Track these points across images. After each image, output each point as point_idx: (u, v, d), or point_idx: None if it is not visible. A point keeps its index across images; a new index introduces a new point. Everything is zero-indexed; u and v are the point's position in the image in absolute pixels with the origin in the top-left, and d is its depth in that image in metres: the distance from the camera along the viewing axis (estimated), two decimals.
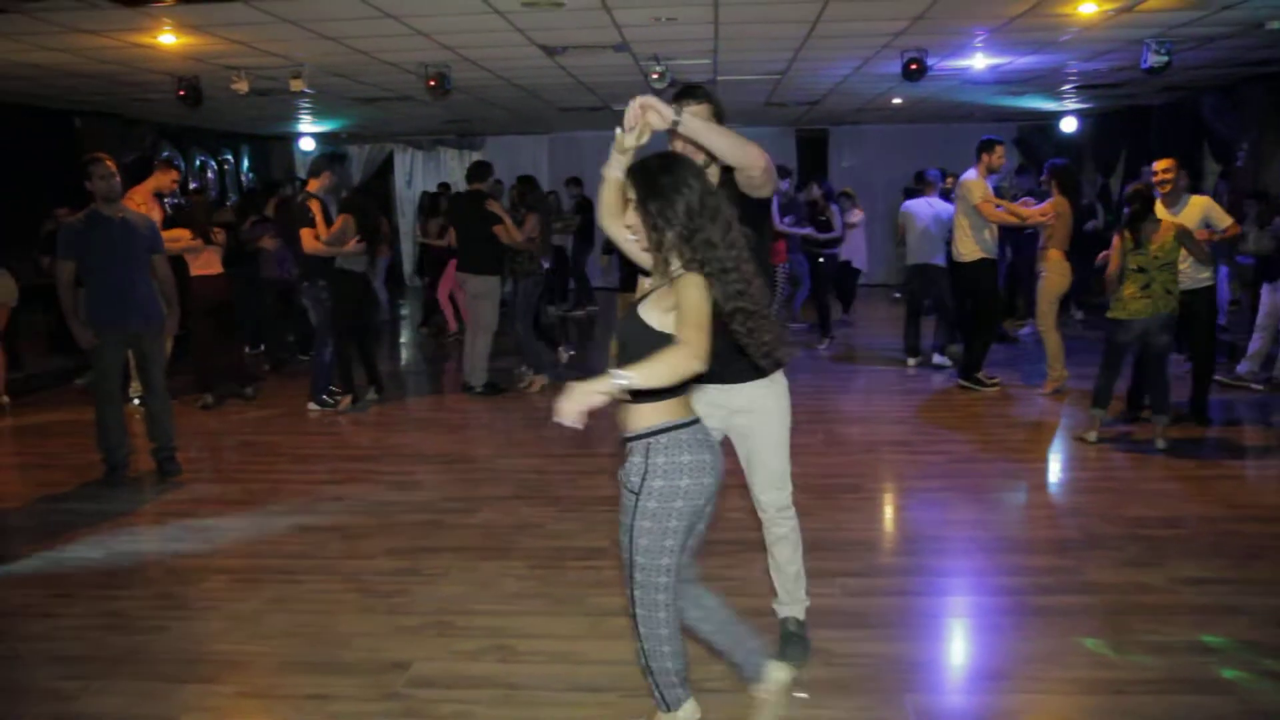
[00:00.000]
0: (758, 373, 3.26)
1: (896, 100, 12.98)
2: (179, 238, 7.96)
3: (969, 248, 8.17)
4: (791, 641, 3.68)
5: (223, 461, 6.95)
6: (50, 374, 9.65)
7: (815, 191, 11.44)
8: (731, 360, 3.01)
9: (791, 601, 3.75)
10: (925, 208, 9.32)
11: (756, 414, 3.48)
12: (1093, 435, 6.58)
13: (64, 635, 4.06)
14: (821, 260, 11.19)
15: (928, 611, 4.12)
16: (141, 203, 7.75)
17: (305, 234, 7.76)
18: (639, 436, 2.70)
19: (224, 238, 8.44)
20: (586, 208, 14.65)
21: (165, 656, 3.84)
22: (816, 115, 14.90)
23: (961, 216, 8.20)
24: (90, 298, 6.03)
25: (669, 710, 2.88)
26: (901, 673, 3.59)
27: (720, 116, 3.31)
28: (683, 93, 3.34)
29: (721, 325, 2.61)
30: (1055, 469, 6.29)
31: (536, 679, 3.60)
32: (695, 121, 2.96)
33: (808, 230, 10.92)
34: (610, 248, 7.99)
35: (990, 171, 8.13)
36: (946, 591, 4.34)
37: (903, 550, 4.89)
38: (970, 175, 8.13)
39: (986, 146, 8.15)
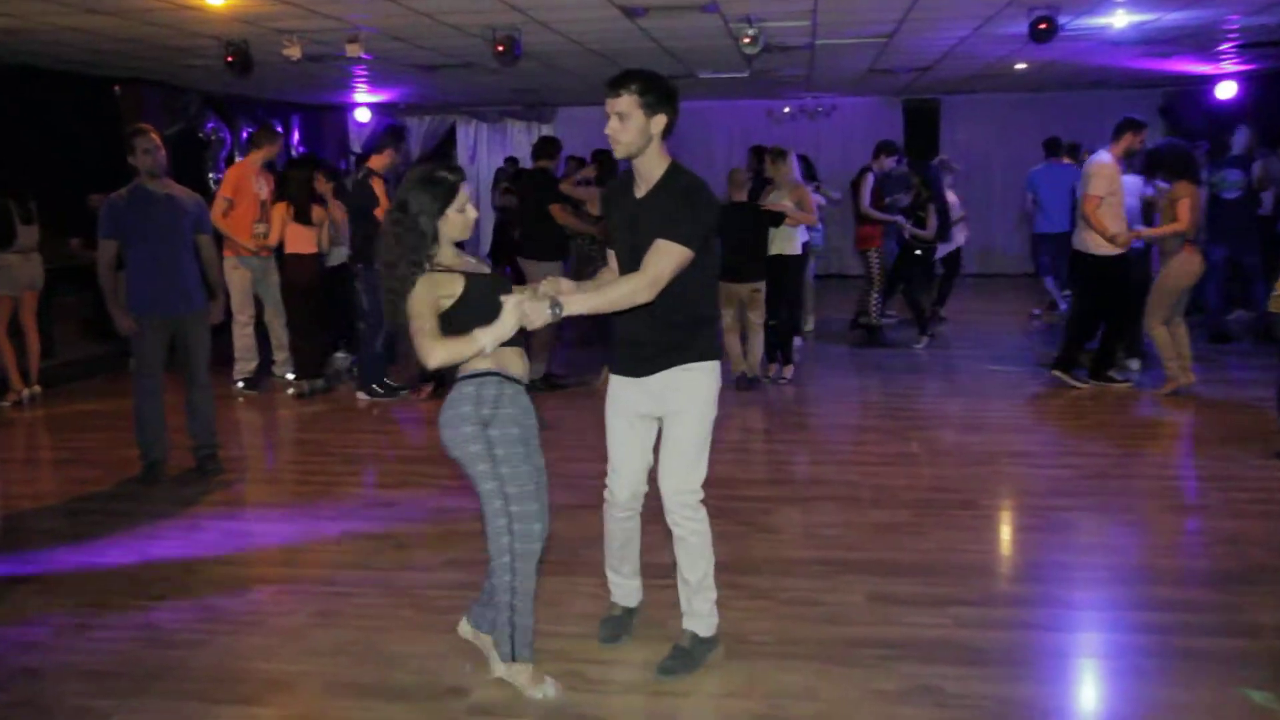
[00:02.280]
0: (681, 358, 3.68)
1: (1020, 65, 12.69)
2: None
3: (1094, 238, 7.93)
4: (676, 654, 3.82)
5: (268, 460, 7.07)
6: (86, 361, 9.91)
7: (915, 180, 11.15)
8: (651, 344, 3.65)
9: (690, 613, 3.86)
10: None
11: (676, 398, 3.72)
12: None
13: (94, 648, 4.13)
14: (918, 253, 10.80)
15: (1055, 649, 4.00)
16: (252, 176, 8.05)
17: (380, 215, 7.94)
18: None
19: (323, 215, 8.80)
20: None
21: (203, 674, 3.89)
22: (927, 83, 14.65)
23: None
24: (131, 280, 6.16)
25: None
26: (1024, 719, 3.48)
27: (657, 104, 3.56)
28: (613, 81, 3.60)
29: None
30: (1209, 488, 6.06)
31: (610, 710, 3.57)
32: (576, 304, 3.44)
33: (890, 217, 10.59)
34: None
35: (1129, 155, 7.91)
36: (1077, 626, 4.21)
37: (1026, 577, 4.77)
38: (1102, 157, 7.89)
39: (1133, 126, 7.93)
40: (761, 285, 8.30)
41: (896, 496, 5.81)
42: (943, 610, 4.27)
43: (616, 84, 3.58)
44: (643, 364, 3.71)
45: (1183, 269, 7.71)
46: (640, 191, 3.67)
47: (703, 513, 3.77)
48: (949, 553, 4.94)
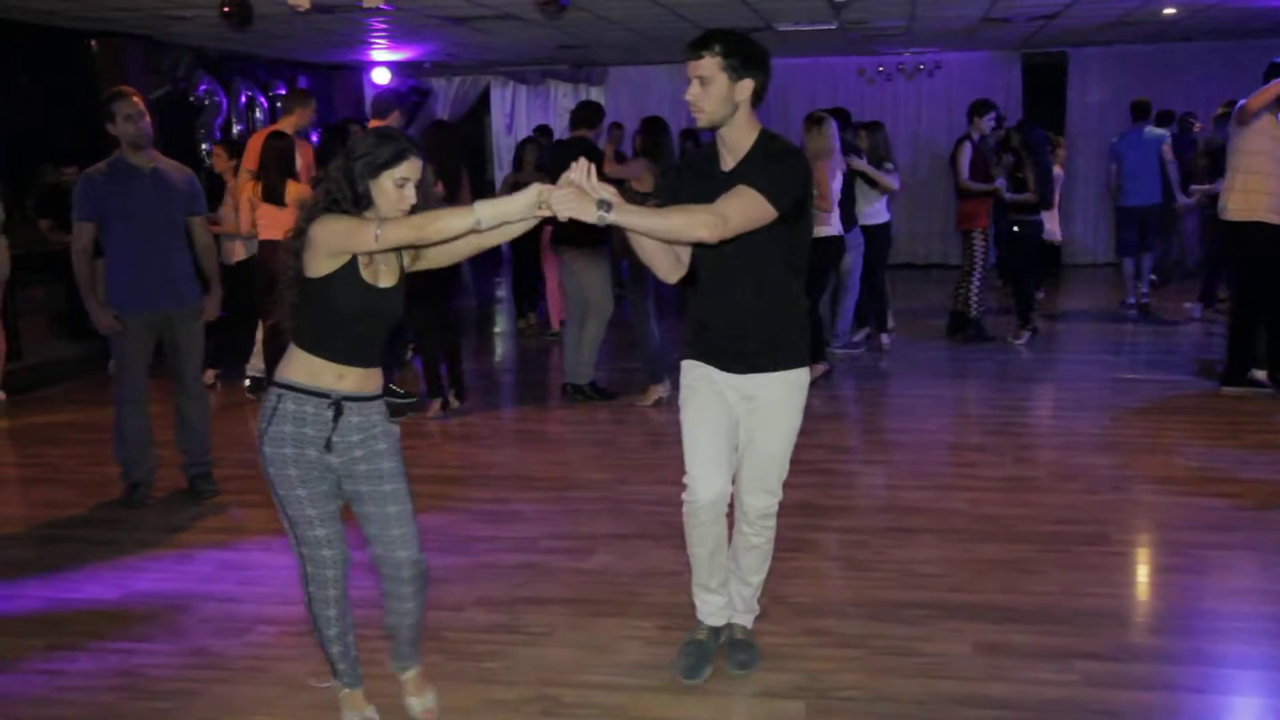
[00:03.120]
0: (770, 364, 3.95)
1: (1169, 10, 12.56)
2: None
3: (1237, 201, 7.94)
4: (740, 649, 4.27)
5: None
6: (57, 364, 10.05)
7: (1014, 140, 11.13)
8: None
9: (747, 611, 4.35)
10: None
11: (762, 406, 3.99)
12: None
13: (65, 699, 4.21)
14: (1016, 230, 10.81)
15: (1202, 713, 3.99)
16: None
17: None
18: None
19: None
20: None
21: None
22: (1052, 34, 14.54)
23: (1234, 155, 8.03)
24: (112, 270, 6.26)
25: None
26: None
27: (743, 68, 3.70)
28: (694, 43, 3.75)
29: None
30: None
31: None
32: (627, 215, 3.47)
33: (991, 186, 10.54)
34: None
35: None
36: (1232, 689, 4.19)
37: (1168, 628, 4.73)
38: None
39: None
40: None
41: (1010, 529, 5.80)
42: (1067, 665, 4.26)
43: (698, 45, 3.71)
44: (740, 360, 3.92)
45: None
46: (728, 164, 3.80)
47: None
48: (1074, 596, 4.93)
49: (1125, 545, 5.73)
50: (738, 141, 3.77)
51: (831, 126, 8.98)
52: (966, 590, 5.03)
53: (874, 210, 10.21)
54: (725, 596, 4.26)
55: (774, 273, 3.82)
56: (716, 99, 3.67)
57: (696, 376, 4.03)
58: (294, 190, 8.63)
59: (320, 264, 3.41)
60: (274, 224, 8.46)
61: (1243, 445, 7.30)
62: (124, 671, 4.41)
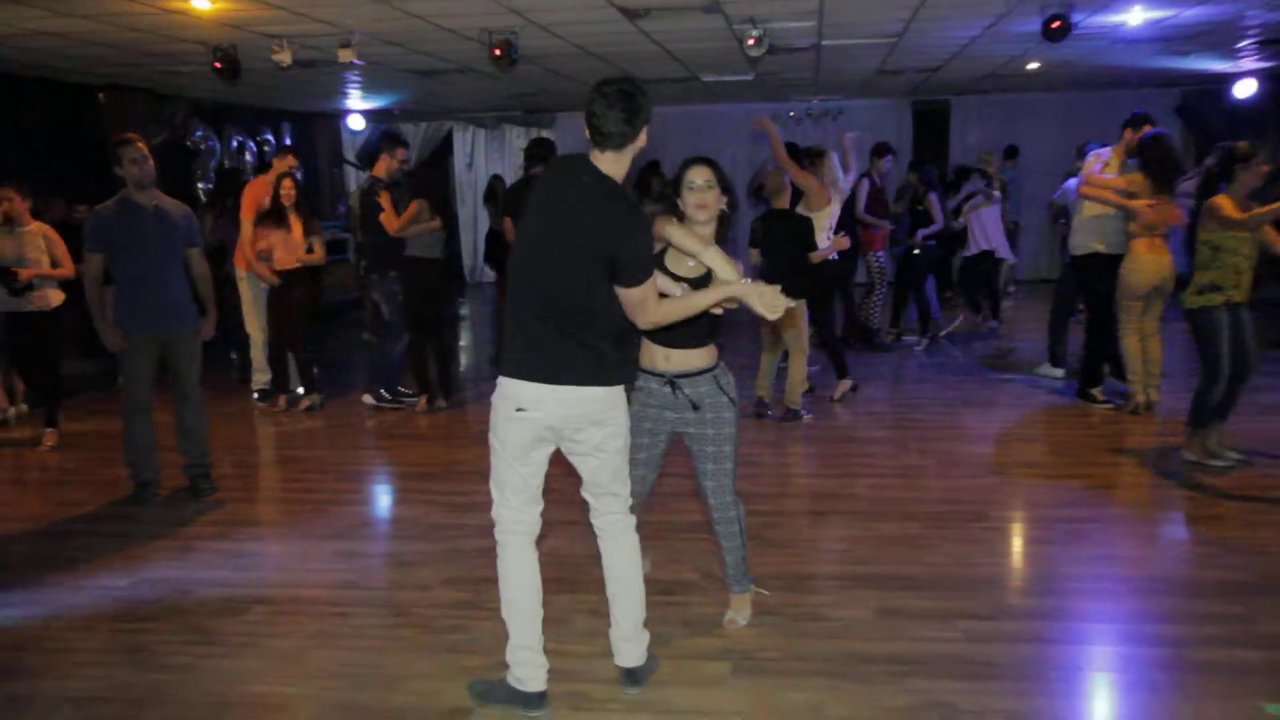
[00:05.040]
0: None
1: (1033, 65, 12.75)
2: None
3: (1078, 239, 8.10)
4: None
5: (263, 479, 7.13)
6: (73, 379, 9.94)
7: (913, 178, 11.37)
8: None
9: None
10: None
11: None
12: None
13: (82, 673, 4.19)
14: (917, 253, 11.05)
15: (1067, 662, 4.06)
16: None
17: (385, 219, 8.24)
18: (707, 369, 4.11)
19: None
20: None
21: (194, 699, 3.95)
22: (936, 84, 14.74)
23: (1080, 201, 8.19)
24: (119, 296, 6.23)
25: (752, 581, 4.51)
26: None
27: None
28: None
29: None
30: (1221, 498, 6.11)
31: None
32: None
33: (879, 221, 10.77)
34: (754, 241, 7.75)
35: (1130, 155, 7.94)
36: (1089, 639, 4.27)
37: (1037, 590, 4.81)
38: (1101, 150, 8.04)
39: (1134, 122, 7.99)
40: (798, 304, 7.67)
41: (905, 509, 5.87)
42: (953, 625, 4.33)
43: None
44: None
45: (1137, 270, 7.53)
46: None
47: None
48: (959, 566, 5.01)
49: (1002, 522, 5.80)
50: None
51: (833, 158, 8.93)
52: (868, 563, 5.09)
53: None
54: None
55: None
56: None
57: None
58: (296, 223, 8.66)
59: None
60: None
61: (1096, 435, 7.44)
62: (133, 648, 4.37)
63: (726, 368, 4.21)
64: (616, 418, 3.63)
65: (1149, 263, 7.44)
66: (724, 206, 4.04)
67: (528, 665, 3.69)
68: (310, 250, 8.59)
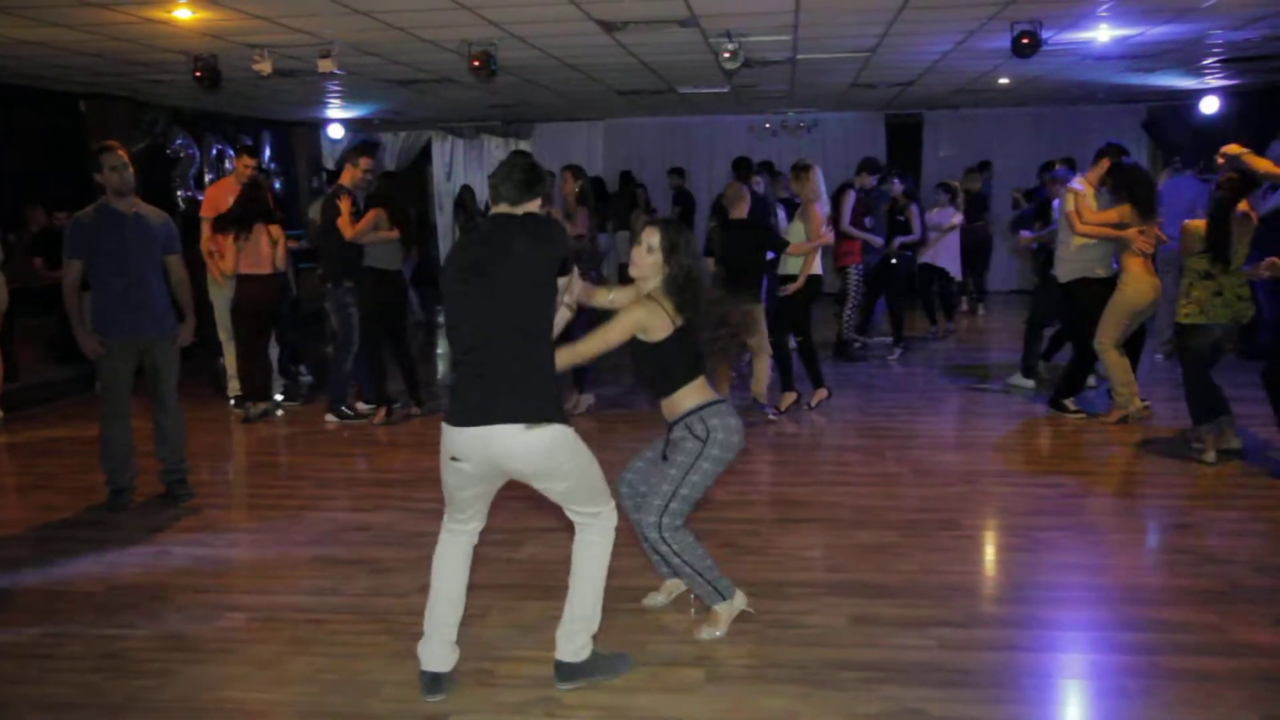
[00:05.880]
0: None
1: (1003, 80, 12.84)
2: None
3: (1073, 268, 8.09)
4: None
5: (239, 485, 7.07)
6: (50, 385, 9.88)
7: (896, 188, 11.38)
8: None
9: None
10: None
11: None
12: (1210, 455, 6.77)
13: (56, 679, 4.13)
14: (894, 262, 11.13)
15: (1039, 670, 4.05)
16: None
17: (341, 223, 8.07)
18: (686, 414, 4.14)
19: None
20: (684, 200, 14.70)
21: (170, 705, 3.90)
22: (910, 98, 14.81)
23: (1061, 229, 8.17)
24: (98, 302, 6.15)
25: (726, 599, 4.27)
26: None
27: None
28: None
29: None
30: (1191, 507, 6.14)
31: None
32: None
33: (870, 236, 10.76)
34: (710, 251, 7.96)
35: (1101, 184, 7.97)
36: (1061, 647, 4.27)
37: (1010, 598, 4.81)
38: (1073, 184, 8.06)
39: (1111, 153, 8.01)
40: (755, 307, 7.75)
41: (879, 517, 5.86)
42: (926, 632, 4.31)
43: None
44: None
45: (1134, 290, 7.63)
46: None
47: None
48: (932, 574, 5.00)
49: (974, 529, 5.80)
50: None
51: (817, 173, 8.84)
52: (842, 570, 5.08)
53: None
54: None
55: None
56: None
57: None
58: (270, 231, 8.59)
59: None
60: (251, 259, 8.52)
61: (1068, 443, 7.46)
62: (109, 654, 4.31)
63: (723, 409, 4.16)
64: (559, 466, 3.72)
65: (1147, 282, 7.61)
66: (659, 277, 4.09)
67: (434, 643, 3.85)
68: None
